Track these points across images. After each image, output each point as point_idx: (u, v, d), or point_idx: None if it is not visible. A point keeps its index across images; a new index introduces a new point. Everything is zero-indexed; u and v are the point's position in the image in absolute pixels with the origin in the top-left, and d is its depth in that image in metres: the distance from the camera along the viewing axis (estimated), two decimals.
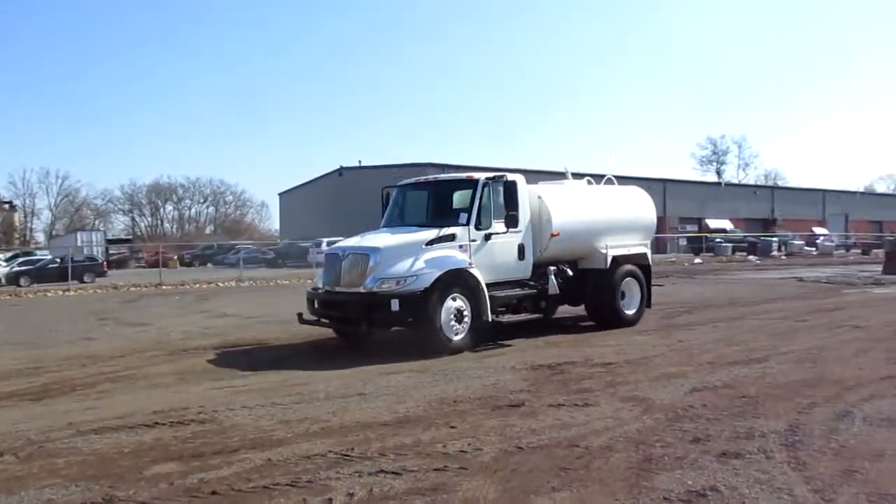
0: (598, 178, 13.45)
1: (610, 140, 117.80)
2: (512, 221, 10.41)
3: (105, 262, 34.32)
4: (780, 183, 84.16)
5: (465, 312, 9.71)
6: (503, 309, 10.48)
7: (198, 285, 25.35)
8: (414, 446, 5.20)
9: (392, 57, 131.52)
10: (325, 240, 40.07)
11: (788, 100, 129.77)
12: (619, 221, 12.31)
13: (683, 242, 51.69)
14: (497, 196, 10.49)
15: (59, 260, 30.83)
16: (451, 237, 9.93)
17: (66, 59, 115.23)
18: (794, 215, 62.75)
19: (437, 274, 9.46)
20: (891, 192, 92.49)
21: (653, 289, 13.00)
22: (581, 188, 12.75)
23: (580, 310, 12.48)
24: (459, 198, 10.76)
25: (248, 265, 40.41)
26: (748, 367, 7.90)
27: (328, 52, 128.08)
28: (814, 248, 48.79)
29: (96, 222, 77.97)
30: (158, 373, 8.56)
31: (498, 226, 10.37)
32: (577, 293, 11.84)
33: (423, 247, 9.72)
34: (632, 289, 12.25)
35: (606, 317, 11.93)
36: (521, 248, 10.72)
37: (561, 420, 5.84)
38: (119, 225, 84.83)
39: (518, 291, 10.70)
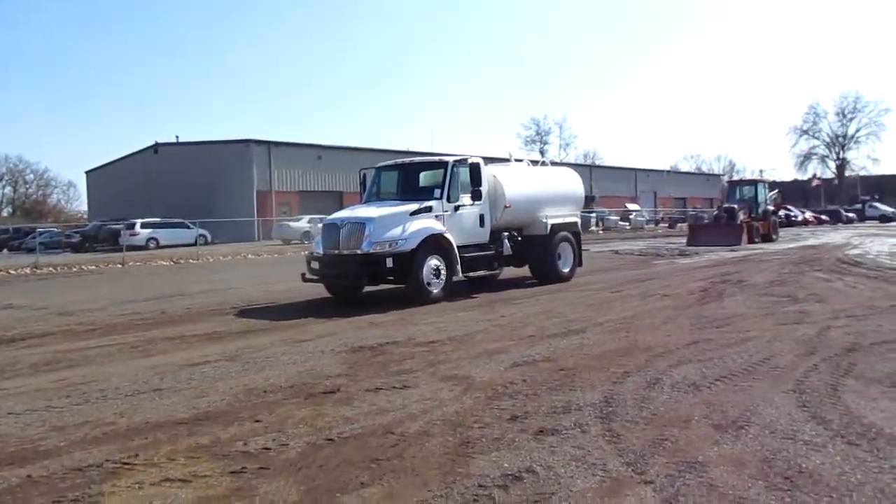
0: (534, 162, 16.17)
1: (434, 119, 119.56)
2: (477, 195, 12.74)
3: None
4: (597, 162, 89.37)
5: (442, 270, 11.89)
6: (471, 267, 12.69)
7: None
8: (210, 447, 4.61)
9: (214, 32, 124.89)
10: (140, 221, 37.38)
11: (604, 84, 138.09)
12: (555, 195, 14.74)
13: None
14: (463, 175, 12.69)
15: None
16: (429, 209, 12.08)
17: None
18: (610, 192, 66.83)
19: (420, 238, 11.59)
20: (693, 171, 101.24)
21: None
22: (525, 169, 15.25)
23: (524, 271, 14.86)
24: (428, 177, 13.03)
25: (50, 250, 36.75)
26: (567, 339, 7.96)
27: (143, 21, 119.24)
28: (627, 224, 52.14)
29: None
30: None
31: (465, 199, 12.67)
32: (523, 256, 14.16)
33: (409, 216, 11.79)
34: (566, 251, 14.77)
35: (547, 275, 14.27)
36: (482, 218, 13.06)
37: (377, 405, 5.46)
38: None
39: (480, 253, 12.94)
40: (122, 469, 4.23)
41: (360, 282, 11.94)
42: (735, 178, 79.02)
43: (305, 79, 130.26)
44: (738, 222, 27.96)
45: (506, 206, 13.30)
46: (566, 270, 14.58)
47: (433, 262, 11.74)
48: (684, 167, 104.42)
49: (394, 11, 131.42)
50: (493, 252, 13.23)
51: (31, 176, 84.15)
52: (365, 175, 14.38)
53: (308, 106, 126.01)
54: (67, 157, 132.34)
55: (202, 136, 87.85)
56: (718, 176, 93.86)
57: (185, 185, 46.43)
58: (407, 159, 14.24)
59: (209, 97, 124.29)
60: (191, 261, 27.17)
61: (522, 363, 6.81)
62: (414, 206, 11.96)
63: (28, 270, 23.58)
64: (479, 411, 5.22)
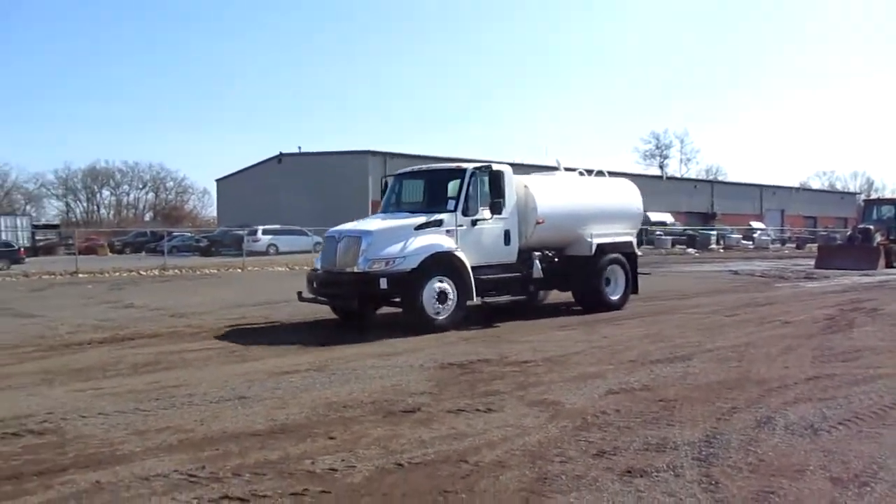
0: (588, 171, 13.92)
1: (551, 132, 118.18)
2: (497, 208, 11.05)
3: (22, 249, 32.29)
4: (719, 178, 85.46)
5: (450, 294, 10.34)
6: (492, 291, 11.21)
7: (118, 274, 23.90)
8: (278, 463, 4.47)
9: (334, 45, 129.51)
10: (261, 227, 38.92)
11: (730, 97, 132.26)
12: (605, 211, 12.83)
13: None
14: (483, 185, 11.09)
15: None
16: (439, 223, 10.59)
17: None
18: (733, 210, 63.63)
19: (423, 256, 10.14)
20: (825, 188, 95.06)
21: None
22: (570, 179, 13.38)
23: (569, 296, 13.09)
24: (452, 186, 11.34)
25: (181, 253, 38.95)
26: (670, 366, 7.39)
27: (271, 38, 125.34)
28: (750, 242, 49.47)
29: (27, 207, 74.35)
30: (21, 372, 7.56)
31: (484, 212, 11.02)
32: (564, 279, 12.40)
33: (413, 231, 10.37)
34: (617, 275, 12.86)
35: (592, 302, 12.51)
36: (507, 234, 11.33)
37: (456, 429, 5.17)
38: (52, 210, 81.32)
39: (503, 275, 11.27)
40: (186, 482, 4.14)
41: (356, 303, 10.59)
42: (873, 196, 73.44)
43: (421, 90, 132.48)
44: (875, 245, 25.72)
45: (538, 222, 11.59)
46: (615, 297, 12.67)
47: (437, 284, 10.20)
48: (816, 184, 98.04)
49: (512, 21, 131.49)
50: (519, 274, 11.47)
51: (171, 183, 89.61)
52: (386, 183, 12.84)
53: (423, 117, 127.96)
54: (204, 166, 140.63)
55: (323, 146, 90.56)
56: (854, 194, 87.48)
57: (306, 194, 48.01)
58: (424, 166, 12.77)
59: (331, 108, 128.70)
60: (305, 267, 27.68)
61: (619, 391, 6.34)
62: (421, 220, 10.58)
63: (156, 272, 24.96)
64: (564, 443, 4.83)
